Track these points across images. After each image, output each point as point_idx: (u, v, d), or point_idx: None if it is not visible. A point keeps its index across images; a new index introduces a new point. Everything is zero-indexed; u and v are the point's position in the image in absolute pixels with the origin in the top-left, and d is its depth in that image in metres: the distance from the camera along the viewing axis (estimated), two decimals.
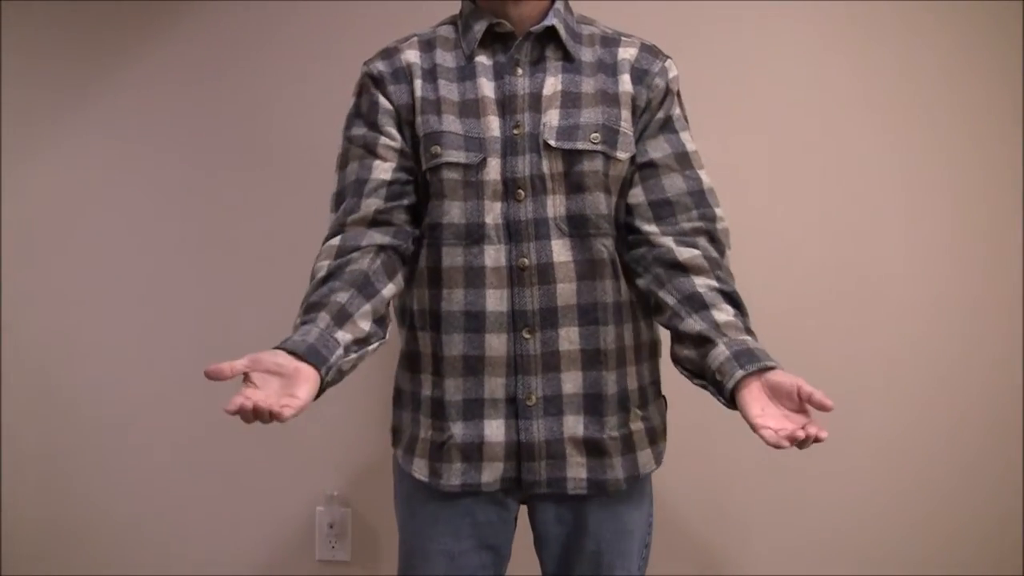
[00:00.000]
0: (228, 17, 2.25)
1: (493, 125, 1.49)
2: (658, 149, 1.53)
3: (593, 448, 1.51)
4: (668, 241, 1.49)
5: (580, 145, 1.48)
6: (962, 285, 2.11)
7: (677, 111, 1.56)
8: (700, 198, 1.52)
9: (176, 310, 2.28)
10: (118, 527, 2.31)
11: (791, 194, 2.14)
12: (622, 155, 1.50)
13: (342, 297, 1.41)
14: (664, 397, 1.63)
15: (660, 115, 1.54)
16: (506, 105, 1.50)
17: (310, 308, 1.39)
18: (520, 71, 1.52)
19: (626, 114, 1.51)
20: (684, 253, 1.48)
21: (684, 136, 1.55)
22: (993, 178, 2.10)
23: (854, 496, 2.15)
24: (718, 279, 1.47)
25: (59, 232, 2.31)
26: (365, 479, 2.25)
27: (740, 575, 2.17)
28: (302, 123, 2.23)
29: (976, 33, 2.09)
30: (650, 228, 1.51)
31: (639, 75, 1.53)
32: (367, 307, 1.43)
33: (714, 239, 1.51)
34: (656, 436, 1.58)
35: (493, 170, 1.48)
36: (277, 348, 1.31)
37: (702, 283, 1.46)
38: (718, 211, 1.53)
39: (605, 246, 1.50)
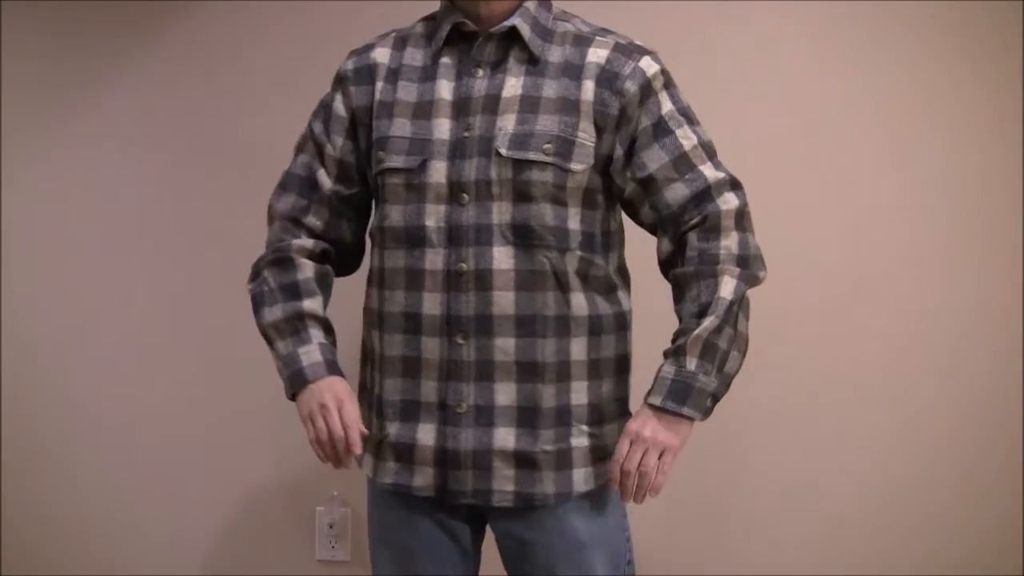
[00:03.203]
0: (227, 17, 2.27)
1: (442, 127, 1.48)
2: (655, 159, 1.48)
3: (524, 461, 1.48)
4: (670, 255, 1.53)
5: (531, 156, 1.45)
6: (961, 285, 2.09)
7: (668, 107, 1.49)
8: (703, 197, 1.48)
9: (176, 311, 2.32)
10: (118, 527, 2.36)
11: (790, 194, 2.10)
12: (577, 167, 1.47)
13: (320, 310, 1.57)
14: (631, 414, 1.54)
15: (647, 121, 1.48)
16: (460, 107, 1.49)
17: (328, 329, 1.56)
18: (480, 72, 1.50)
19: (585, 124, 1.47)
20: (672, 276, 1.52)
21: (680, 133, 1.49)
22: (993, 178, 2.07)
23: (853, 496, 2.12)
24: (677, 299, 1.51)
25: (59, 232, 2.36)
26: (365, 479, 2.24)
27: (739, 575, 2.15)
28: (302, 122, 2.22)
29: (976, 33, 2.07)
30: (666, 248, 1.52)
31: (607, 80, 1.47)
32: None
33: (706, 227, 1.47)
34: (607, 456, 1.50)
35: (437, 173, 1.47)
36: (337, 376, 1.51)
37: (679, 310, 1.50)
38: (720, 199, 1.48)
39: (548, 258, 1.47)
